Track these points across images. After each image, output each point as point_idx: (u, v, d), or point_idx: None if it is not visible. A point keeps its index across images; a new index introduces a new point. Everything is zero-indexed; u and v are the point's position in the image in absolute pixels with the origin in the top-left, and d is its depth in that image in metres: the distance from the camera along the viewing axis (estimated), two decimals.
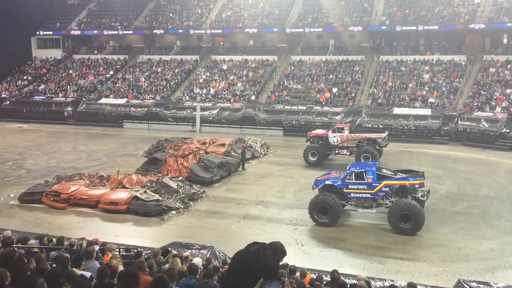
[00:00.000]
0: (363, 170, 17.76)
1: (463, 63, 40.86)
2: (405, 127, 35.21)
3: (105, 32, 53.87)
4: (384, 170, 18.39)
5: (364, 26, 44.64)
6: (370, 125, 35.26)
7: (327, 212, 17.45)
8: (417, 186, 17.59)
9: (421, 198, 17.42)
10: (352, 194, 17.84)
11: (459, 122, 34.12)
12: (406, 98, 37.88)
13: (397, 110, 36.59)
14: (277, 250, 4.68)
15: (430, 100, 37.17)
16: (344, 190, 17.84)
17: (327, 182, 18.28)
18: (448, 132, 34.16)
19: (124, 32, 53.06)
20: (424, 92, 38.27)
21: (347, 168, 18.70)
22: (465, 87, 38.63)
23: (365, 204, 17.91)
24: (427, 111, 35.84)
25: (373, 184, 17.44)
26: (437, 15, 43.14)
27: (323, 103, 39.31)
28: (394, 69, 42.08)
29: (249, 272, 4.59)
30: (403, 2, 46.26)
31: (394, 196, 17.45)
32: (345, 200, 18.08)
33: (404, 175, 18.15)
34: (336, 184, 17.98)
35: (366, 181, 17.54)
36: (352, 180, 17.76)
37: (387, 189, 17.39)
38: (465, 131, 33.64)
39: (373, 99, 38.81)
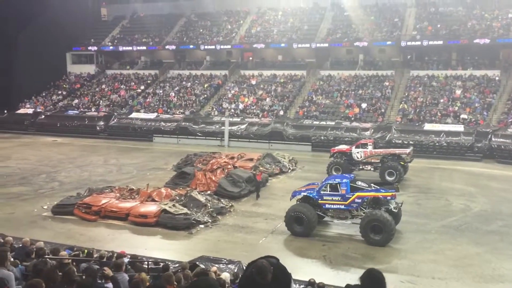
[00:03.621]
0: (337, 182, 18.12)
1: (497, 78, 39.96)
2: (437, 144, 34.55)
3: (137, 48, 55.21)
4: (359, 182, 18.65)
5: (395, 41, 44.36)
6: (400, 141, 34.76)
7: (302, 223, 17.74)
8: (389, 198, 17.80)
9: (393, 210, 17.70)
10: (327, 205, 18.21)
11: (493, 139, 33.29)
12: (438, 114, 37.22)
13: (428, 126, 36.02)
14: (259, 270, 4.54)
15: (462, 116, 36.42)
16: (319, 201, 18.26)
17: (303, 194, 18.77)
18: (482, 149, 33.36)
19: (156, 47, 54.27)
20: (456, 108, 37.53)
21: (323, 180, 19.15)
22: (499, 102, 37.74)
23: (341, 215, 18.28)
24: (460, 127, 35.14)
25: (347, 196, 17.78)
26: (469, 30, 42.42)
27: (352, 119, 39.00)
28: (425, 84, 41.49)
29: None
30: (434, 16, 45.75)
31: (368, 207, 17.83)
32: (321, 211, 18.40)
33: (377, 187, 18.42)
34: (311, 195, 18.39)
35: (340, 193, 17.89)
36: (327, 191, 18.13)
37: (360, 200, 17.74)
38: (499, 147, 32.81)
39: (403, 114, 38.30)
